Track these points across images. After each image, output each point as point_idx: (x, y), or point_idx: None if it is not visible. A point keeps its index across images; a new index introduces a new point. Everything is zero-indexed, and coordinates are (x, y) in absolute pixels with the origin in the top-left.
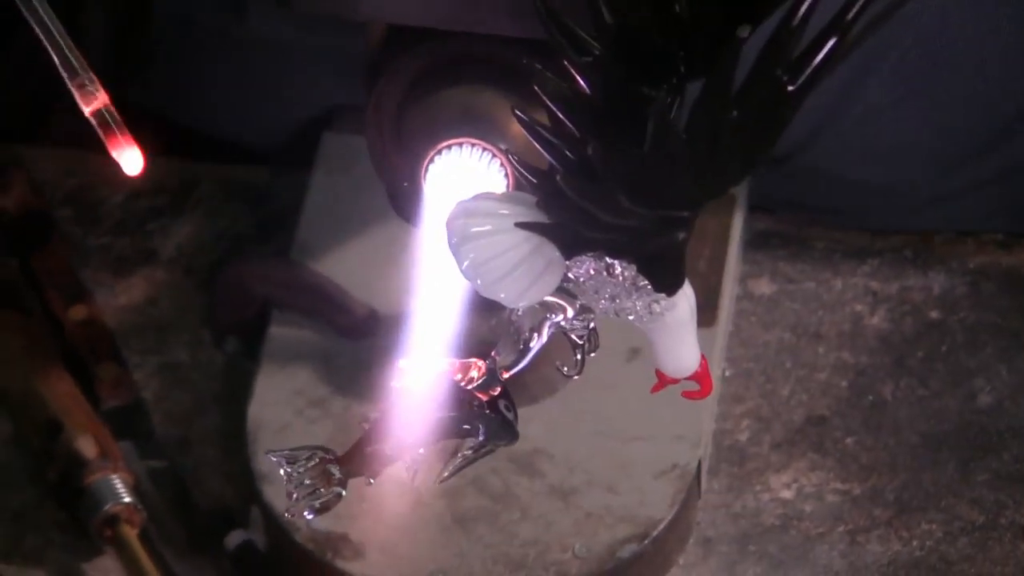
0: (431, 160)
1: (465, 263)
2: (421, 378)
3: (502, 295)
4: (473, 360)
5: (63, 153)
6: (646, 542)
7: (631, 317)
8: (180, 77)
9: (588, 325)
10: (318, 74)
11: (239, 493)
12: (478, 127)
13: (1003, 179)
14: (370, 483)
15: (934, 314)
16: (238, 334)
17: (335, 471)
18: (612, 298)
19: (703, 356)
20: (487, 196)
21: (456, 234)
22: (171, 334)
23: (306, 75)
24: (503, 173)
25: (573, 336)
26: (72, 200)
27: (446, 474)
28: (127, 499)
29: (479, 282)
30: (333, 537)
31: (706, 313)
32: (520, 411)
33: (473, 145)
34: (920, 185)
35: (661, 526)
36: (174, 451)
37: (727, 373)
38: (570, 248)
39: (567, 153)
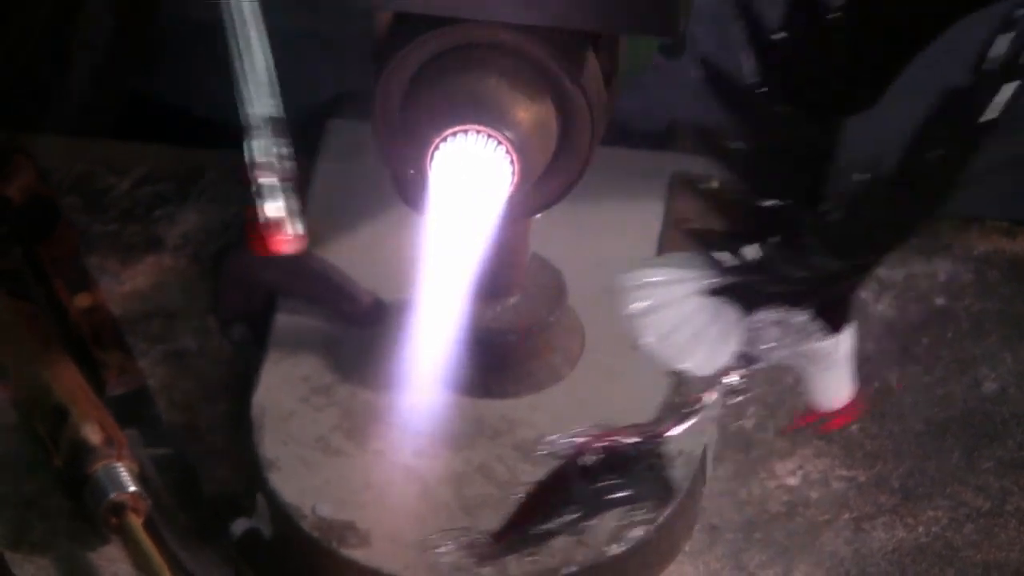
0: (436, 147)
1: (650, 338)
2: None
3: (689, 365)
4: (636, 424)
5: (69, 140)
6: (652, 529)
7: (801, 362)
8: (186, 64)
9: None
10: (324, 61)
11: (245, 481)
12: (484, 114)
13: (1008, 167)
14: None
15: (939, 301)
16: (245, 321)
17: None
18: (778, 344)
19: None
20: (653, 262)
21: (637, 309)
22: (178, 321)
23: (312, 62)
24: (508, 160)
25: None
26: (78, 187)
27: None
28: (132, 487)
29: (664, 355)
30: (339, 525)
31: None
32: (526, 399)
33: (479, 132)
34: None
35: (667, 513)
36: (180, 439)
37: None
38: (751, 306)
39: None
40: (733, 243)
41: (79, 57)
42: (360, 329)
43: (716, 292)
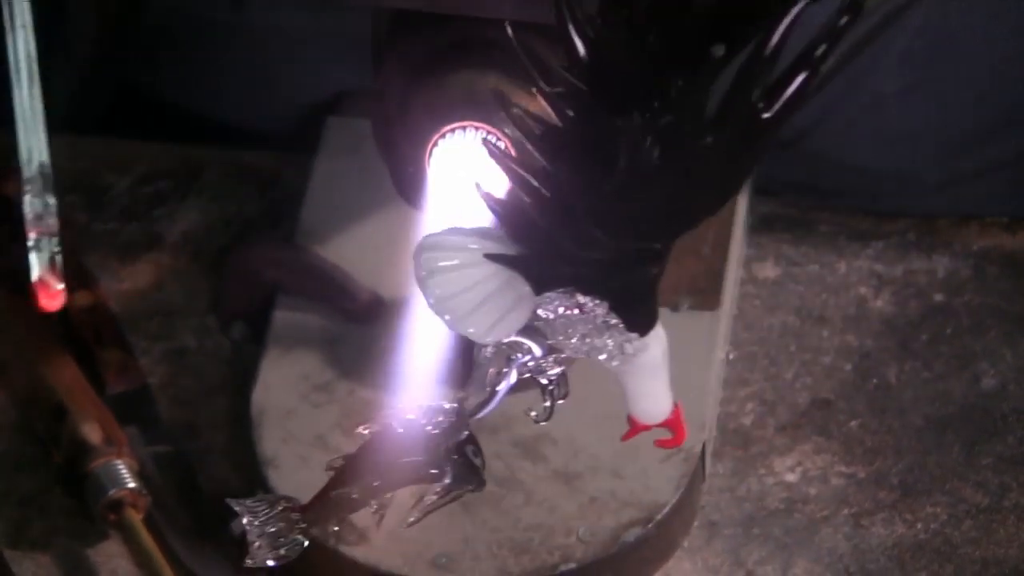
0: (435, 144)
1: (432, 297)
2: (389, 423)
3: (471, 330)
4: (441, 404)
5: (68, 139)
6: (650, 526)
7: (602, 357)
8: (186, 62)
9: (558, 368)
10: (323, 59)
11: (245, 478)
12: (482, 111)
13: (1008, 163)
14: (335, 530)
15: (938, 297)
16: (245, 319)
17: (298, 519)
18: (583, 337)
19: (677, 404)
20: (456, 230)
21: (424, 267)
22: (178, 320)
23: (311, 60)
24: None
25: (542, 381)
26: (77, 186)
27: (412, 519)
28: (131, 484)
29: (447, 317)
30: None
31: (710, 297)
32: (524, 395)
33: (477, 129)
34: (925, 169)
35: (665, 510)
36: (180, 436)
37: (731, 356)
38: (540, 283)
39: (538, 185)
40: (524, 178)
41: (73, 54)
42: (359, 326)
43: (504, 262)
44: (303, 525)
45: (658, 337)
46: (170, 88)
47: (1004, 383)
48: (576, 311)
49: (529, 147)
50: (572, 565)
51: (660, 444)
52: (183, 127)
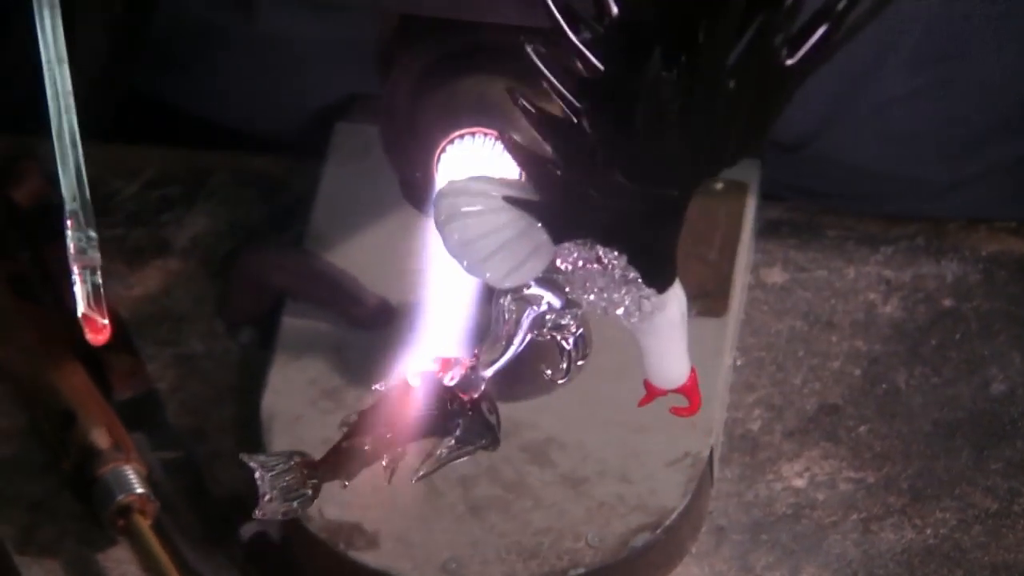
0: (443, 150)
1: (451, 241)
2: (404, 377)
3: (487, 275)
4: (456, 357)
5: None
6: (659, 531)
7: (619, 312)
8: (194, 66)
9: (576, 325)
10: (331, 64)
11: (253, 483)
12: (490, 117)
13: (1017, 167)
14: (345, 486)
15: (947, 302)
16: (252, 324)
17: (310, 473)
18: (601, 291)
19: (693, 369)
20: (479, 177)
21: (444, 212)
22: (186, 325)
23: (320, 65)
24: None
25: (560, 340)
26: None
27: (421, 473)
28: (140, 489)
29: (465, 262)
30: (346, 527)
31: (717, 302)
32: (532, 401)
33: (486, 135)
34: (933, 173)
35: (674, 515)
36: (189, 442)
37: (738, 362)
38: (560, 231)
39: (562, 129)
40: (547, 122)
41: (81, 59)
42: (367, 332)
43: (526, 208)
44: (315, 480)
45: (677, 297)
46: (178, 93)
47: (1013, 388)
48: (595, 264)
49: (556, 89)
50: (581, 570)
51: (676, 412)
52: (191, 132)
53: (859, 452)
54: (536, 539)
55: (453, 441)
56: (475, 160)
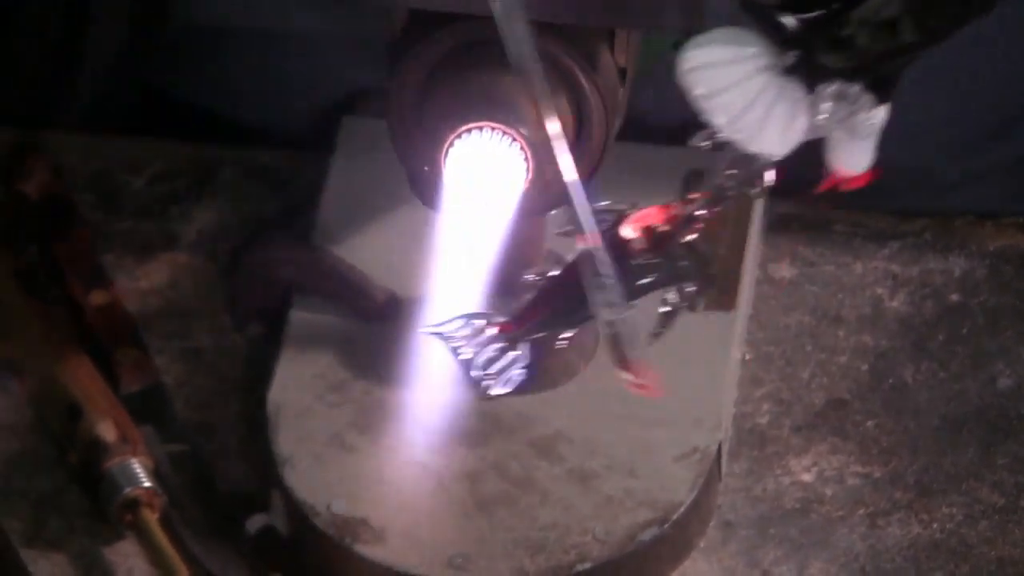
0: (451, 144)
1: (723, 118)
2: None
3: (764, 146)
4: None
5: (84, 138)
6: (666, 526)
7: (834, 129)
8: (202, 61)
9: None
10: (340, 58)
11: (260, 477)
12: (498, 111)
13: (1023, 163)
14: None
15: (954, 297)
16: (260, 318)
17: (502, 337)
18: (832, 117)
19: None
20: (713, 39)
21: (703, 85)
22: (193, 319)
23: (328, 59)
24: (523, 157)
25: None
26: (93, 185)
27: (656, 331)
28: (146, 483)
29: (739, 136)
30: (353, 522)
31: (726, 297)
32: (540, 396)
33: (493, 129)
34: (940, 168)
35: (681, 510)
36: (196, 435)
37: (747, 357)
38: (815, 80)
39: None
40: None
41: (93, 53)
42: (375, 326)
43: (783, 68)
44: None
45: (886, 108)
46: (186, 88)
47: (1020, 383)
48: (835, 97)
49: None
50: (588, 564)
51: (847, 186)
52: (199, 126)
53: (866, 447)
54: (543, 534)
55: (677, 290)
56: (482, 154)
